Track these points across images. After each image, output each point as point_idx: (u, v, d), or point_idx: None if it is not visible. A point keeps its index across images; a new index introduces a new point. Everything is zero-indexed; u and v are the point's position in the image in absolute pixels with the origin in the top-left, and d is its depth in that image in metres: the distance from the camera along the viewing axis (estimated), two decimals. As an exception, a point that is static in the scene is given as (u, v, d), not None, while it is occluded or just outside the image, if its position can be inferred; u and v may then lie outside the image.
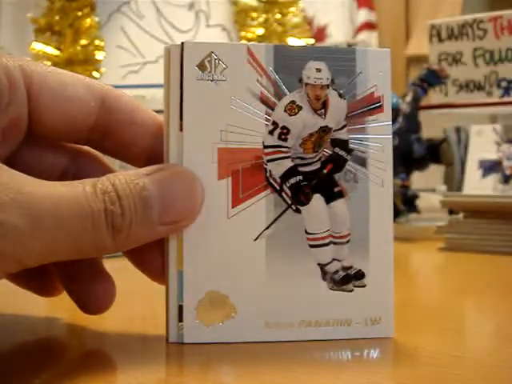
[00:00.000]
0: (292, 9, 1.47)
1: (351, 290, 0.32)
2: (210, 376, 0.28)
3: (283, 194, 0.32)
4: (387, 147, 0.32)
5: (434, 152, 0.97)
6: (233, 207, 0.32)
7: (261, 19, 1.45)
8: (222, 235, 0.32)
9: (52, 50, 1.31)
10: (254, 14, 1.45)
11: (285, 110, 0.32)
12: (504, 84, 1.11)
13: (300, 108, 0.32)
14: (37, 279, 0.36)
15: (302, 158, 0.32)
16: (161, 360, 0.30)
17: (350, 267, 0.32)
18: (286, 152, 0.32)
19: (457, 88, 1.19)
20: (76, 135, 0.32)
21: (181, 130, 0.31)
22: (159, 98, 1.22)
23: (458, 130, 1.02)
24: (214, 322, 0.32)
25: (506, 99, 1.07)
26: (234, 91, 0.32)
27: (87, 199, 0.27)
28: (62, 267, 0.34)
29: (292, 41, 1.44)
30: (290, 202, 0.32)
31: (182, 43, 0.32)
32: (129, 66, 1.41)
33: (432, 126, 1.03)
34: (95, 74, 1.36)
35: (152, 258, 0.32)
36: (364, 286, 0.32)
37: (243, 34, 1.45)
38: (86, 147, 0.34)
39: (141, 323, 0.37)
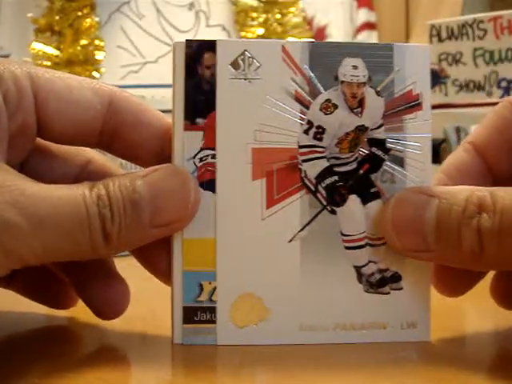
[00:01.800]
0: (292, 9, 1.47)
1: (387, 293, 0.32)
2: (213, 377, 0.28)
3: (318, 194, 0.31)
4: (426, 146, 0.32)
5: (434, 152, 0.97)
6: (267, 208, 0.31)
7: (261, 19, 1.45)
8: (255, 236, 0.31)
9: (52, 50, 1.31)
10: (254, 14, 1.45)
11: (320, 109, 0.31)
12: (504, 84, 1.11)
13: (336, 106, 0.31)
14: (51, 291, 0.36)
15: (337, 158, 0.31)
16: (164, 361, 0.30)
17: (387, 269, 0.32)
18: (322, 152, 0.31)
19: (457, 88, 1.18)
20: (85, 138, 0.32)
21: (185, 129, 0.31)
22: (159, 98, 1.21)
23: (457, 129, 1.02)
24: (247, 324, 0.31)
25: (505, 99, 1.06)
26: (268, 90, 0.31)
27: (85, 202, 0.27)
28: (75, 273, 0.34)
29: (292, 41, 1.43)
30: (325, 203, 0.31)
31: (188, 40, 0.31)
32: (129, 66, 1.41)
33: (432, 126, 1.02)
34: (95, 73, 1.35)
35: (159, 258, 0.32)
36: (400, 289, 0.32)
37: (243, 34, 1.44)
38: (96, 155, 0.34)
39: (144, 323, 0.37)
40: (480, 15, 1.19)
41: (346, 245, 0.31)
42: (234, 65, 0.31)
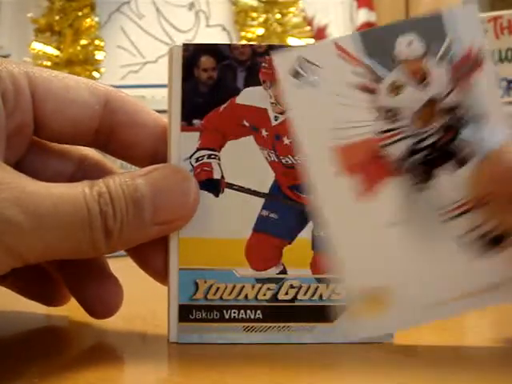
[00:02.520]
0: (292, 9, 1.47)
1: (493, 254, 0.31)
2: (211, 376, 0.27)
3: (406, 175, 0.31)
4: (497, 101, 0.31)
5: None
6: (361, 201, 0.31)
7: (261, 19, 1.45)
8: (355, 230, 0.31)
9: (52, 50, 1.30)
10: (254, 14, 1.45)
11: (388, 93, 0.31)
12: (504, 84, 1.11)
13: (402, 86, 0.31)
14: (44, 288, 0.36)
15: (416, 135, 0.31)
16: (162, 360, 0.30)
17: (489, 232, 0.31)
18: (400, 133, 0.31)
19: (457, 88, 1.19)
20: (82, 138, 0.32)
21: (182, 130, 0.31)
22: (159, 98, 1.21)
23: (457, 129, 1.02)
24: (371, 316, 0.31)
25: (506, 99, 1.07)
26: (334, 89, 0.31)
27: (85, 200, 0.27)
28: (69, 273, 0.34)
29: (292, 41, 1.44)
30: (414, 182, 0.31)
31: (185, 44, 0.31)
32: (129, 66, 1.40)
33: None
34: (95, 73, 1.35)
35: (155, 259, 0.32)
36: (505, 248, 0.31)
37: (243, 34, 1.44)
38: (91, 153, 0.34)
39: (142, 323, 0.36)
40: (480, 15, 1.19)
41: (445, 217, 0.31)
42: (295, 73, 0.31)
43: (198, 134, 0.31)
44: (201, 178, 0.31)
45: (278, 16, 1.44)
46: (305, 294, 0.31)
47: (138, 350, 0.31)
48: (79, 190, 0.27)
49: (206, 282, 0.31)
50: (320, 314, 0.31)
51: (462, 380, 0.26)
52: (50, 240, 0.26)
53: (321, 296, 0.31)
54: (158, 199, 0.29)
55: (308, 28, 1.46)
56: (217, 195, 0.31)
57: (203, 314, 0.31)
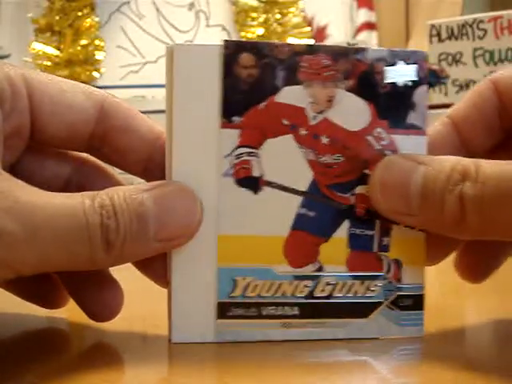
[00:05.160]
0: (292, 9, 1.47)
1: None
2: (212, 376, 0.27)
3: None
4: None
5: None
6: None
7: (261, 19, 1.45)
8: None
9: (52, 50, 1.30)
10: (254, 14, 1.45)
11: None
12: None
13: None
14: (42, 291, 0.35)
15: None
16: (165, 361, 0.30)
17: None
18: None
19: (457, 88, 1.19)
20: (76, 142, 0.32)
21: (222, 127, 0.30)
22: (159, 98, 1.21)
23: (457, 129, 1.02)
24: None
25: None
26: None
27: (85, 212, 0.27)
28: (68, 275, 0.33)
29: (292, 41, 1.44)
30: None
31: (225, 41, 0.31)
32: (129, 66, 1.40)
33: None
34: (95, 73, 1.35)
35: (155, 262, 0.32)
36: None
37: (243, 34, 1.44)
38: (88, 157, 0.34)
39: (142, 323, 0.36)
40: (480, 15, 1.20)
41: None
42: None
43: (237, 131, 0.31)
44: (240, 176, 0.31)
45: (278, 16, 1.45)
46: (340, 290, 0.31)
47: (138, 351, 0.31)
48: (78, 200, 0.27)
49: (244, 279, 0.31)
50: (354, 310, 0.31)
51: (463, 380, 0.26)
52: (45, 252, 0.26)
53: (356, 292, 0.31)
54: (163, 216, 0.28)
55: (308, 28, 1.46)
56: (255, 192, 0.31)
57: (241, 311, 0.31)
